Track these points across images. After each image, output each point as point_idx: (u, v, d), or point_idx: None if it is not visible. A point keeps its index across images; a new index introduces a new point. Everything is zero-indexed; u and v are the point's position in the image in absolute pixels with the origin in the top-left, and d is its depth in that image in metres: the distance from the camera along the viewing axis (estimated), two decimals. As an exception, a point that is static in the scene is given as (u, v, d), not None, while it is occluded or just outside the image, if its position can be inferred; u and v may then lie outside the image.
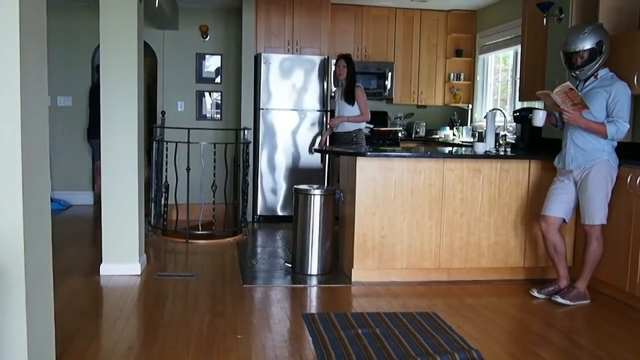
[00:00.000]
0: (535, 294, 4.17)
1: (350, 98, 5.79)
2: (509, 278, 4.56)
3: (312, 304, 4.12)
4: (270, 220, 6.80)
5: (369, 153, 4.41)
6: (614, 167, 3.96)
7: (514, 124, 5.87)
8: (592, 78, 3.98)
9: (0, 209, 2.08)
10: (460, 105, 7.96)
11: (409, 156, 4.44)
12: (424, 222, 4.44)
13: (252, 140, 6.65)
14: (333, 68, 5.87)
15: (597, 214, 3.95)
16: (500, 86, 7.53)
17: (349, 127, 5.89)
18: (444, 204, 4.45)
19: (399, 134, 7.70)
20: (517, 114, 5.36)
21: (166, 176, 6.06)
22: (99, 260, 4.47)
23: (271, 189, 6.81)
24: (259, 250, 5.56)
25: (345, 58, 5.83)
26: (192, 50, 7.58)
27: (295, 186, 4.76)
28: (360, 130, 5.94)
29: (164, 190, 6.10)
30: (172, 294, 4.07)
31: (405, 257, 4.44)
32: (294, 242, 4.70)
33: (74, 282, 4.25)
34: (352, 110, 5.80)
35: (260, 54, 6.74)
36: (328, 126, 6.10)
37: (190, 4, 7.36)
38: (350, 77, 5.81)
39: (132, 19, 4.30)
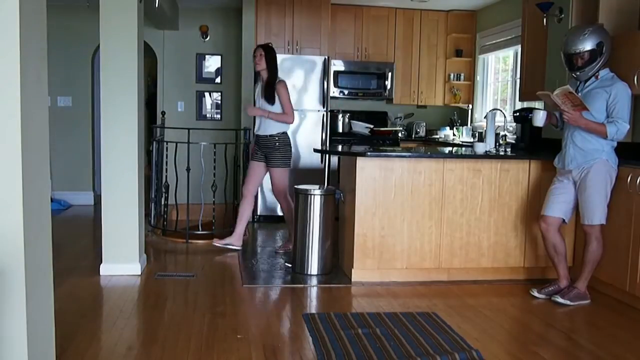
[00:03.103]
0: (536, 294, 4.18)
1: (270, 95, 5.01)
2: (509, 278, 4.56)
3: (312, 304, 4.12)
4: (270, 220, 6.80)
5: (369, 153, 4.41)
6: (613, 167, 3.96)
7: (514, 124, 5.87)
8: (593, 78, 3.98)
9: (0, 209, 2.08)
10: (460, 105, 7.96)
11: (409, 156, 4.44)
12: (424, 222, 4.44)
13: (252, 140, 6.64)
14: (254, 60, 5.12)
15: (596, 214, 3.95)
16: (500, 86, 7.53)
17: (273, 129, 5.09)
18: (444, 204, 4.45)
19: (399, 134, 7.70)
20: (517, 114, 5.36)
21: (166, 176, 6.06)
22: (99, 260, 4.47)
23: (271, 189, 6.79)
24: (259, 250, 5.57)
25: (264, 47, 5.10)
26: (192, 50, 7.59)
27: (295, 186, 4.76)
28: (284, 133, 5.13)
29: (164, 190, 6.10)
30: (172, 294, 4.07)
31: (405, 257, 4.44)
32: (294, 242, 4.70)
33: (74, 282, 4.25)
34: (274, 110, 5.06)
35: (261, 54, 6.73)
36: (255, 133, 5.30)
37: (190, 4, 7.36)
38: (270, 71, 5.05)
39: (132, 19, 4.30)
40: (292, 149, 5.27)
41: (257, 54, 5.08)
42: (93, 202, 7.58)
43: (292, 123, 5.17)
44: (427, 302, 4.00)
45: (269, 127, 5.10)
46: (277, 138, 5.11)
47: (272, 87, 5.02)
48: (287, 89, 5.07)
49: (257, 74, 5.26)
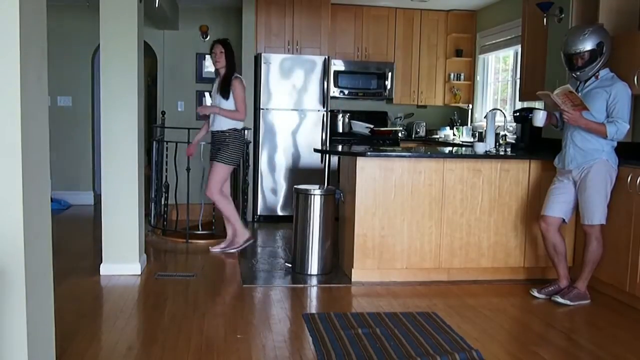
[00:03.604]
0: (536, 294, 4.18)
1: (225, 91, 4.99)
2: (509, 278, 4.56)
3: (312, 304, 4.12)
4: (270, 220, 6.80)
5: (369, 153, 4.41)
6: (613, 167, 3.96)
7: (514, 124, 5.87)
8: (593, 78, 3.98)
9: (1, 208, 2.08)
10: (460, 105, 7.96)
11: (409, 156, 4.44)
12: (424, 222, 4.44)
13: (252, 140, 6.65)
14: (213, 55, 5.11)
15: (596, 214, 3.95)
16: (500, 86, 7.53)
17: (223, 125, 5.06)
18: (444, 204, 4.45)
19: (399, 134, 7.70)
20: (517, 114, 5.36)
21: (166, 176, 6.06)
22: (99, 260, 4.47)
23: (271, 189, 6.82)
24: (259, 250, 5.56)
25: (223, 43, 5.07)
26: (192, 50, 7.59)
27: (295, 186, 4.76)
28: (236, 130, 5.09)
29: (164, 190, 6.10)
30: (172, 294, 4.07)
31: (405, 257, 4.44)
32: (294, 242, 4.70)
33: (74, 282, 4.25)
34: (228, 106, 5.02)
35: (260, 54, 6.74)
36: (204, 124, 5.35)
37: (190, 4, 7.36)
38: (228, 67, 5.05)
39: (132, 19, 4.31)
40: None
41: (216, 51, 5.04)
42: (93, 202, 7.58)
43: (242, 120, 5.13)
44: (427, 302, 4.00)
45: (220, 123, 5.08)
46: (227, 134, 5.08)
47: (228, 82, 5.01)
48: (243, 86, 5.06)
49: (215, 70, 5.23)
